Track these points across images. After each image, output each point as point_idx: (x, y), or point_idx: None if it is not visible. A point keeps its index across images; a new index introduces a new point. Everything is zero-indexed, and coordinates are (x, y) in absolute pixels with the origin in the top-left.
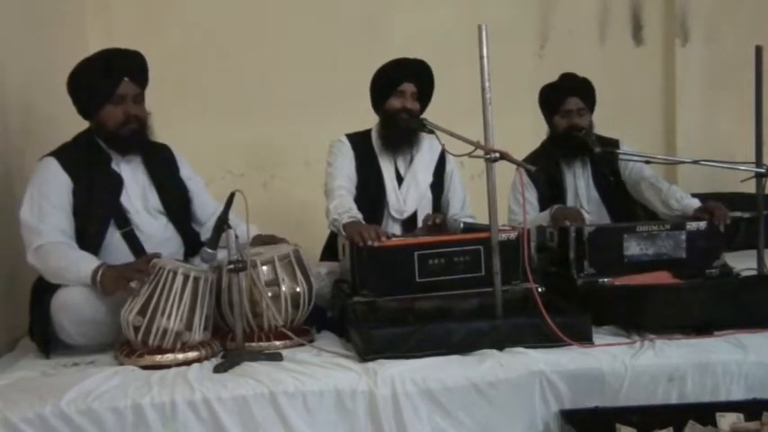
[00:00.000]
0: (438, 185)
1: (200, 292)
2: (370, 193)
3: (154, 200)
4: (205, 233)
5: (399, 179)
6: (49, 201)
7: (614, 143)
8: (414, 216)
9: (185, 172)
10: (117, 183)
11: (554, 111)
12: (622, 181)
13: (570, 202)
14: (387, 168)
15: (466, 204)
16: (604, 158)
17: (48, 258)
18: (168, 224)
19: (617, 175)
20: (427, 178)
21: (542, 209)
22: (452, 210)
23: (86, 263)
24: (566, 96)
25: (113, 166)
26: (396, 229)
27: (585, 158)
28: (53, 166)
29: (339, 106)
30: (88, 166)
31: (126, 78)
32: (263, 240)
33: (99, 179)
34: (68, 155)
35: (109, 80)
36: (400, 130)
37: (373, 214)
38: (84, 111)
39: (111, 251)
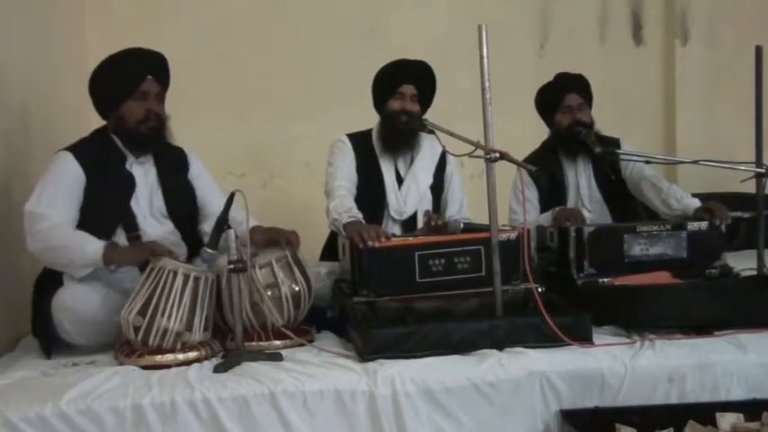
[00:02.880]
0: (438, 187)
1: (201, 292)
2: (370, 194)
3: (159, 204)
4: (205, 230)
5: (399, 180)
6: (59, 190)
7: (615, 142)
8: (413, 217)
9: (194, 171)
10: (129, 184)
11: (555, 108)
12: (623, 179)
13: (572, 200)
14: (387, 169)
15: (463, 207)
16: (605, 157)
17: (50, 238)
18: (174, 229)
19: (618, 174)
20: (427, 180)
21: (544, 208)
22: (450, 211)
23: (94, 242)
24: (565, 93)
25: (127, 166)
26: (395, 229)
27: (587, 156)
28: (68, 159)
29: (339, 106)
30: (103, 165)
31: (150, 76)
32: (261, 232)
33: (112, 179)
34: (84, 151)
35: (134, 76)
36: (399, 132)
37: (373, 215)
38: (104, 107)
39: None
